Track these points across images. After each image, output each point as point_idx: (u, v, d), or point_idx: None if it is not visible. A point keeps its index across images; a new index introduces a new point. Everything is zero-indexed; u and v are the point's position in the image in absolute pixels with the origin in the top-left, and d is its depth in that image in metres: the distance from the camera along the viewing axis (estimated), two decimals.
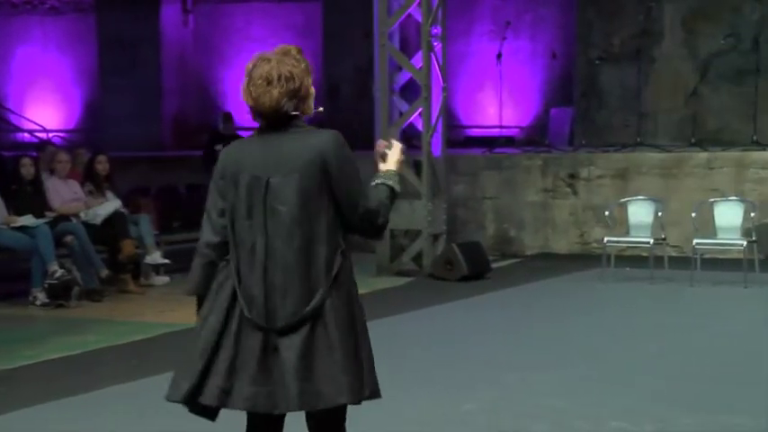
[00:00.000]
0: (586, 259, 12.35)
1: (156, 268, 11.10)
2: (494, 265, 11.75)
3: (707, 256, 11.34)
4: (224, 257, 3.43)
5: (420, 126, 11.57)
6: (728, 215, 10.56)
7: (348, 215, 3.40)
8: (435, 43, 11.48)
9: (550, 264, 12.29)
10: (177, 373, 3.45)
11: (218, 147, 13.99)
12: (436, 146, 11.60)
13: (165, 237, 11.71)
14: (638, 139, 13.65)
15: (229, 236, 3.41)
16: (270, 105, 3.37)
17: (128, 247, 10.42)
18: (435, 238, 11.63)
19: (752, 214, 10.72)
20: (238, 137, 14.15)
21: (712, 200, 10.95)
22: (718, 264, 11.39)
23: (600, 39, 15.21)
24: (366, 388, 3.37)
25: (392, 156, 3.67)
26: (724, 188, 12.34)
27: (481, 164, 13.50)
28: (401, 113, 11.84)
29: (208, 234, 3.47)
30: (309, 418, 3.46)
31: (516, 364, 6.99)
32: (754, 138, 12.89)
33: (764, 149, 12.61)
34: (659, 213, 10.84)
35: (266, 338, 3.32)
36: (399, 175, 3.64)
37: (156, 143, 17.82)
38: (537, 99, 16.27)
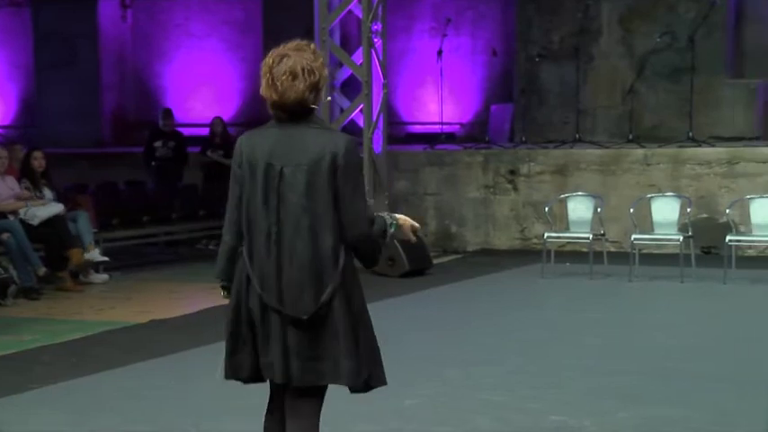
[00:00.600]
0: (527, 255, 12.45)
1: (95, 266, 10.99)
2: (435, 261, 11.80)
3: (645, 251, 11.50)
4: (241, 244, 3.68)
5: (361, 123, 11.58)
6: (665, 211, 10.72)
7: (343, 216, 3.59)
8: (376, 40, 11.49)
9: (491, 259, 12.38)
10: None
11: (158, 143, 13.89)
12: (377, 142, 11.63)
13: (104, 234, 11.60)
14: (577, 136, 13.80)
15: (243, 221, 3.66)
16: (296, 98, 3.58)
17: (76, 256, 10.35)
18: None
19: (688, 210, 10.89)
20: (178, 134, 14.16)
21: (650, 196, 11.11)
22: (656, 259, 11.56)
23: (539, 36, 15.34)
24: (364, 374, 3.63)
25: (406, 220, 3.92)
26: (661, 184, 12.52)
27: (422, 160, 13.55)
28: (342, 110, 11.84)
29: (228, 222, 3.74)
30: (290, 390, 3.70)
31: (457, 360, 7.04)
32: (690, 134, 13.09)
33: (700, 146, 12.82)
34: (598, 209, 10.97)
35: (281, 318, 3.60)
36: (398, 225, 3.84)
37: (95, 140, 17.62)
38: (477, 96, 16.36)
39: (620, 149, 13.07)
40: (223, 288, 3.82)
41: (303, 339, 3.60)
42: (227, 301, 3.78)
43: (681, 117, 13.85)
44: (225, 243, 3.76)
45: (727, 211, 10.96)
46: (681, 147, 12.87)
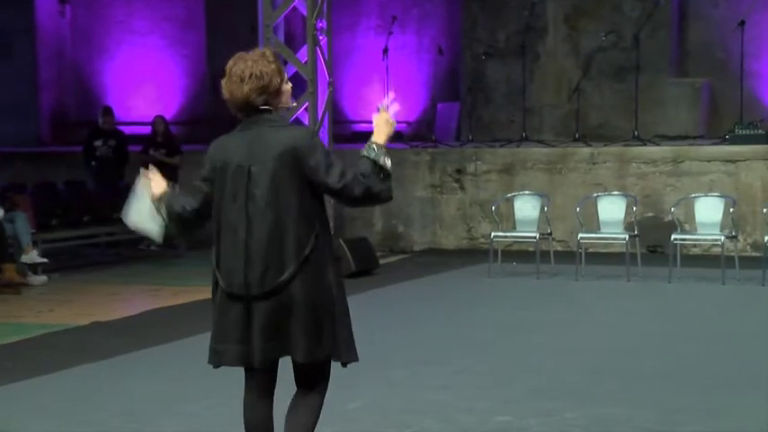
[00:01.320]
0: (474, 254, 12.52)
1: (34, 267, 10.85)
2: (382, 261, 11.82)
3: (591, 250, 11.61)
4: (196, 220, 4.16)
5: (306, 121, 11.56)
6: (611, 209, 10.84)
7: (331, 194, 3.99)
8: (321, 37, 11.48)
9: (438, 259, 12.43)
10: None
11: (98, 142, 13.72)
12: (323, 141, 11.61)
13: (43, 235, 11.47)
14: (524, 135, 13.90)
15: (214, 222, 4.06)
16: (241, 98, 4.02)
17: (9, 273, 10.22)
18: None
19: (634, 208, 11.02)
20: (119, 132, 14.02)
21: (596, 194, 11.22)
22: (602, 258, 11.68)
23: (485, 34, 15.43)
24: (319, 354, 3.98)
25: (376, 126, 4.16)
26: (607, 183, 12.65)
27: None
28: (287, 109, 11.81)
29: (189, 198, 4.17)
30: (294, 369, 4.10)
31: (403, 361, 7.06)
32: (636, 133, 13.24)
33: (645, 144, 12.97)
34: (545, 208, 11.06)
35: (246, 306, 3.96)
36: (384, 147, 4.08)
37: (33, 139, 17.40)
38: (424, 94, 16.42)
39: (566, 148, 13.20)
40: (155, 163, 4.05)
41: (266, 322, 3.94)
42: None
43: (626, 116, 14.01)
44: (185, 201, 4.18)
45: (673, 209, 11.11)
46: (626, 145, 13.02)
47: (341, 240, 11.25)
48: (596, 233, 10.99)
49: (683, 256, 10.83)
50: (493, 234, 11.15)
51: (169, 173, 13.67)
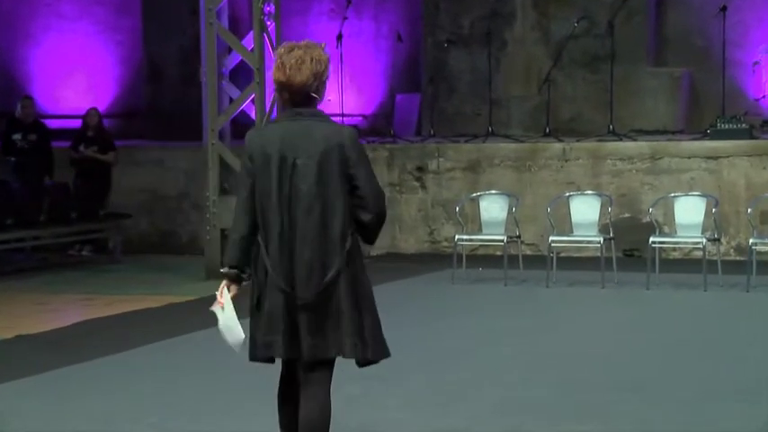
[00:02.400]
0: (437, 259, 12.58)
1: None
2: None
3: (563, 254, 11.71)
4: (255, 232, 4.51)
5: (253, 114, 11.57)
6: (585, 210, 10.92)
7: (359, 201, 4.46)
8: (269, 22, 11.50)
9: (398, 264, 12.47)
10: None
11: (17, 136, 13.48)
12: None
13: None
14: (490, 129, 13.98)
15: (258, 212, 4.48)
16: (300, 81, 4.44)
17: None
18: None
19: (609, 209, 11.13)
20: (41, 125, 13.80)
21: (568, 194, 11.30)
22: (575, 262, 11.79)
23: (448, 20, 15.50)
24: (365, 351, 4.50)
25: None
26: (580, 181, 12.75)
27: None
28: (231, 100, 11.81)
29: (240, 213, 4.54)
30: (303, 364, 4.52)
31: (358, 375, 7.07)
32: (611, 127, 13.36)
33: (621, 140, 13.09)
34: (513, 209, 11.14)
35: (289, 300, 4.42)
36: None
37: None
38: (381, 85, 16.46)
39: (536, 144, 13.29)
40: (226, 276, 4.54)
41: (311, 318, 4.42)
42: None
43: (600, 109, 14.14)
44: (237, 232, 4.54)
45: (651, 210, 11.22)
46: (601, 141, 13.14)
47: None
48: (568, 236, 11.08)
49: (662, 261, 10.95)
50: (457, 237, 11.21)
51: (101, 171, 13.66)
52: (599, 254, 10.72)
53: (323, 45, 4.58)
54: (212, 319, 9.30)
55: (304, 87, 4.46)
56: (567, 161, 12.98)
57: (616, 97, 13.64)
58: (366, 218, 4.49)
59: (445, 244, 13.00)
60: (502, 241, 11.01)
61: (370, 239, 4.59)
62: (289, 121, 4.50)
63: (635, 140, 13.11)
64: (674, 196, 11.00)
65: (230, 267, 4.53)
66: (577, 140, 13.20)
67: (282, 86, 4.50)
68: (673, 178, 12.52)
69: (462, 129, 14.73)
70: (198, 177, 12.92)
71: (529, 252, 12.37)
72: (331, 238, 4.42)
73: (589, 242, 11.12)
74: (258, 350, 4.54)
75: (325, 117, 4.54)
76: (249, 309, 4.54)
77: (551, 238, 10.89)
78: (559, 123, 14.36)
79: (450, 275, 11.04)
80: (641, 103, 14.68)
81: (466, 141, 13.66)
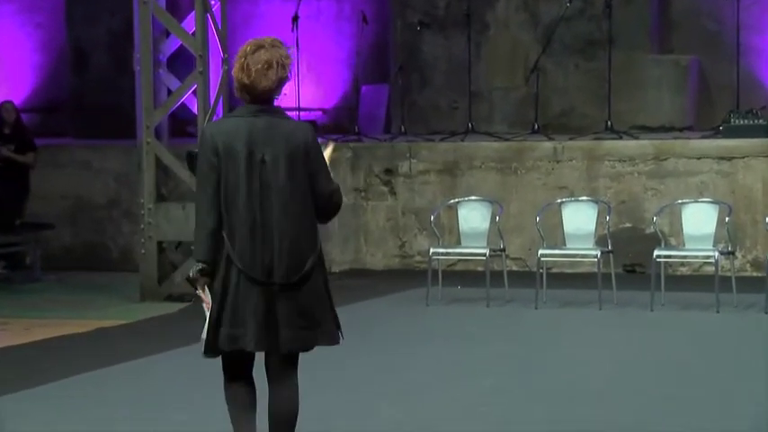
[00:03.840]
0: (408, 276, 12.57)
1: None
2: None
3: (554, 269, 11.72)
4: (222, 227, 5.13)
5: (194, 108, 11.53)
6: (579, 219, 10.94)
7: (317, 196, 5.21)
8: (212, 2, 11.46)
9: (363, 282, 12.45)
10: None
11: None
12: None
13: None
14: (470, 125, 13.98)
15: (223, 206, 5.12)
16: (266, 86, 5.14)
17: None
18: None
19: (607, 218, 11.14)
20: None
21: (560, 200, 11.32)
22: (568, 279, 11.80)
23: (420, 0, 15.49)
24: (341, 333, 5.34)
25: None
26: (573, 186, 12.77)
27: None
28: (170, 92, 11.76)
29: (207, 207, 5.15)
30: (273, 358, 5.24)
31: (315, 411, 7.06)
32: (608, 123, 13.39)
33: (621, 137, 13.13)
34: (496, 218, 11.14)
35: (265, 292, 5.10)
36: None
37: None
38: (344, 74, 16.44)
39: (522, 142, 13.31)
40: (200, 272, 5.15)
41: (294, 310, 5.14)
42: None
43: (597, 102, 14.16)
44: (205, 227, 5.16)
45: (655, 219, 11.24)
46: (597, 139, 13.16)
47: None
48: (560, 249, 11.09)
49: (669, 277, 10.98)
50: (432, 251, 11.20)
51: (18, 174, 13.56)
52: (595, 269, 10.72)
53: (277, 39, 5.21)
54: (146, 346, 9.25)
55: (268, 92, 5.17)
56: (558, 162, 13.00)
57: (614, 89, 13.67)
58: (320, 210, 5.26)
59: (418, 258, 12.98)
60: (484, 255, 11.01)
61: (323, 221, 5.34)
62: (252, 117, 5.16)
63: (636, 138, 13.14)
64: (682, 203, 11.03)
65: (204, 263, 5.14)
66: (570, 138, 13.22)
67: (245, 88, 5.16)
68: (680, 182, 12.56)
69: (438, 125, 14.72)
70: (131, 182, 12.85)
71: (515, 268, 12.37)
72: (305, 230, 5.18)
73: (584, 256, 11.13)
74: (221, 343, 5.15)
75: (285, 114, 5.26)
76: (217, 298, 5.15)
77: (541, 252, 10.90)
78: (550, 119, 14.37)
79: (424, 295, 11.02)
80: (643, 95, 14.71)
81: (442, 140, 13.66)
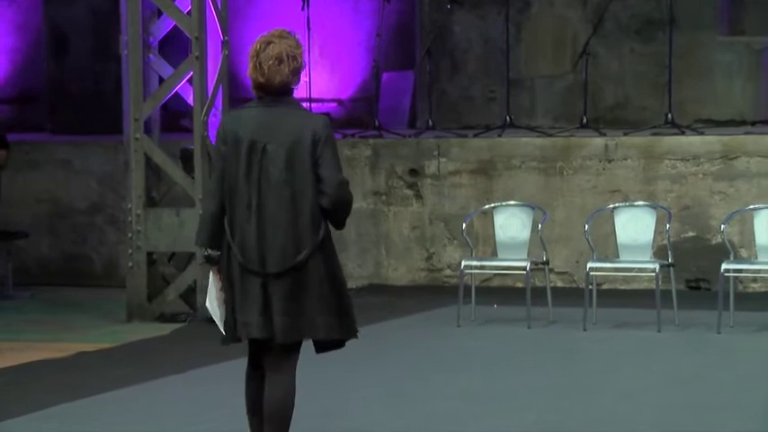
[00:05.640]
0: (436, 293, 12.56)
1: None
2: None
3: (606, 285, 11.69)
4: (224, 214, 6.03)
5: (190, 99, 11.55)
6: (635, 227, 10.91)
7: (323, 191, 5.96)
8: None
9: (384, 300, 12.44)
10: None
11: None
12: (215, 127, 11.60)
13: None
14: (509, 119, 13.96)
15: (225, 194, 6.00)
16: (280, 81, 5.99)
17: None
18: None
19: (667, 226, 11.11)
20: None
21: (612, 206, 11.29)
22: (622, 297, 11.77)
23: None
24: (337, 330, 6.09)
25: None
26: (628, 189, 12.75)
27: None
28: (162, 80, 11.78)
29: (212, 193, 6.13)
30: (272, 347, 6.07)
31: None
32: (669, 116, 13.35)
33: (683, 133, 13.09)
34: (539, 226, 11.13)
35: (263, 281, 5.97)
36: None
37: None
38: (362, 60, 16.44)
39: (569, 138, 13.29)
40: (207, 257, 6.10)
41: (285, 300, 5.94)
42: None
43: (655, 91, 14.14)
44: (207, 211, 6.14)
45: (723, 227, 11.20)
46: (656, 134, 13.13)
47: None
48: (613, 262, 11.07)
49: (739, 295, 10.94)
50: (464, 263, 11.19)
51: None
52: (654, 286, 10.70)
53: (287, 31, 6.06)
54: (135, 374, 9.29)
55: (283, 86, 6.02)
56: (610, 162, 12.98)
57: (676, 76, 13.65)
58: (325, 203, 5.99)
59: (448, 273, 12.97)
60: (524, 269, 11.00)
61: (336, 225, 6.12)
62: (264, 107, 6.04)
63: (702, 134, 13.11)
64: (755, 209, 10.99)
65: (210, 249, 6.07)
66: (625, 134, 13.20)
67: (262, 87, 6.01)
68: (752, 185, 12.53)
69: (471, 118, 14.73)
70: (116, 183, 12.88)
71: (560, 283, 12.35)
72: (302, 223, 5.96)
73: (641, 270, 11.11)
74: (239, 331, 6.06)
75: (299, 105, 6.11)
76: (225, 288, 6.05)
77: (590, 265, 10.88)
78: (601, 111, 14.36)
79: (455, 315, 11.02)
80: (710, 84, 14.70)
81: (475, 135, 13.65)
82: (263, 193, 5.95)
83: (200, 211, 6.28)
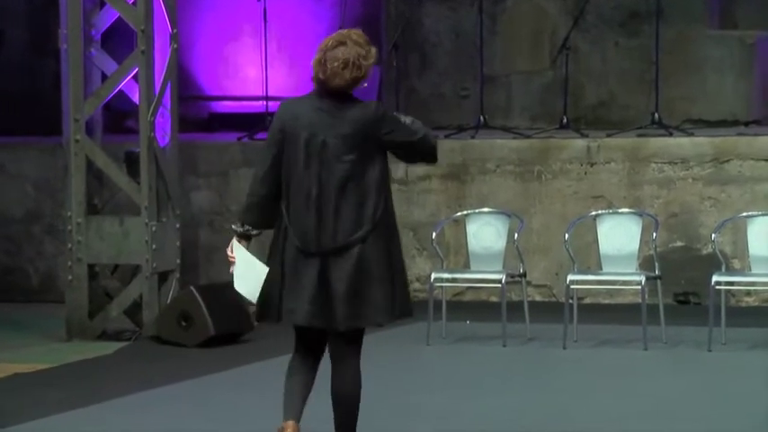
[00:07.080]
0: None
1: None
2: (257, 323, 11.79)
3: (588, 300, 11.73)
4: (275, 199, 6.58)
5: (135, 97, 11.55)
6: (619, 237, 10.94)
7: (407, 149, 6.66)
8: None
9: None
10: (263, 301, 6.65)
11: None
12: (162, 128, 11.62)
13: None
14: (482, 118, 13.99)
15: (284, 182, 6.54)
16: (338, 85, 6.46)
17: None
18: (163, 277, 11.63)
19: (654, 235, 11.15)
20: None
21: (595, 213, 11.32)
22: (606, 312, 11.81)
23: None
24: (397, 310, 6.56)
25: None
26: (612, 194, 12.79)
27: (236, 157, 13.56)
28: (105, 77, 11.78)
29: (262, 178, 6.61)
30: (336, 335, 6.56)
31: None
32: (656, 116, 13.39)
33: (671, 134, 13.14)
34: (515, 235, 11.15)
35: (321, 266, 6.43)
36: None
37: None
38: None
39: (548, 140, 13.33)
40: (241, 235, 6.61)
41: (345, 283, 6.40)
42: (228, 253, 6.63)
43: (641, 89, 14.20)
44: (256, 195, 6.62)
45: (714, 236, 11.25)
46: (642, 135, 13.18)
47: (192, 288, 11.26)
48: (596, 274, 11.11)
49: (731, 309, 10.99)
50: (434, 276, 11.22)
51: None
52: (639, 299, 10.75)
53: (359, 34, 6.54)
54: (75, 396, 9.29)
55: (340, 90, 6.48)
56: (592, 165, 13.02)
57: (663, 73, 13.71)
58: (419, 157, 6.81)
59: (417, 286, 12.99)
60: (499, 282, 11.02)
61: (430, 163, 7.00)
62: (319, 98, 6.54)
63: (691, 135, 13.17)
64: (748, 216, 11.04)
65: (246, 228, 6.59)
66: (608, 135, 13.24)
67: (320, 83, 6.49)
68: (745, 190, 12.58)
69: (441, 118, 14.75)
70: (55, 190, 12.87)
71: (538, 297, 12.40)
72: (364, 212, 6.45)
73: (625, 283, 11.15)
74: (282, 314, 6.52)
75: (357, 98, 6.55)
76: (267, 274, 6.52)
77: (570, 278, 10.91)
78: (582, 110, 14.41)
79: (425, 332, 11.04)
80: (700, 81, 14.76)
81: (446, 136, 13.67)
82: (323, 185, 6.44)
83: (248, 193, 6.61)
